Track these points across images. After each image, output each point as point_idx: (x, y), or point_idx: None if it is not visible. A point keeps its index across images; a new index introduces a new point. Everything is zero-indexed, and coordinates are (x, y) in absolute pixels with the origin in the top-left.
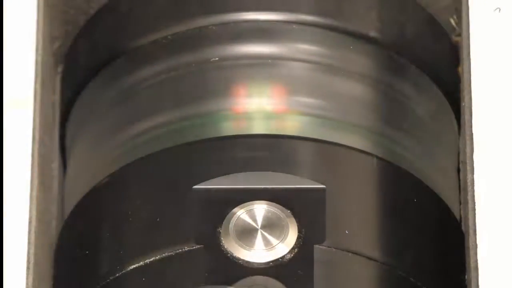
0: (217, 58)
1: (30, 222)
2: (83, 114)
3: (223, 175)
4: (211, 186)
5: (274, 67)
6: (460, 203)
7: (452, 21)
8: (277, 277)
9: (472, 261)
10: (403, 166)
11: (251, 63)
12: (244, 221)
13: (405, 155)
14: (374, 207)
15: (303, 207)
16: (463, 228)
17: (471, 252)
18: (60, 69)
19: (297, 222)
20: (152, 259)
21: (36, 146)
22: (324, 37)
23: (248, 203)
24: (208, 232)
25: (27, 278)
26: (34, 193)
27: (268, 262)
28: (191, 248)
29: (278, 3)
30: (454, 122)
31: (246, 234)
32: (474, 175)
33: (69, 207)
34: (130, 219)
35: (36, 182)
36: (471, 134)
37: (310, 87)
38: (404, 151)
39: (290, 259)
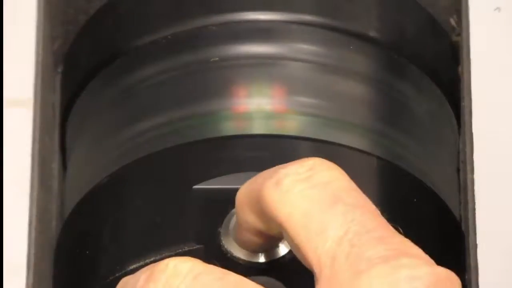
0: (217, 58)
1: (30, 222)
2: (83, 114)
3: (223, 175)
4: (211, 186)
5: (274, 67)
6: (460, 203)
7: (452, 21)
8: (277, 277)
9: (472, 261)
10: (403, 166)
11: (251, 63)
12: None
13: (405, 155)
14: None
15: None
16: (463, 228)
17: (471, 252)
18: (60, 69)
19: None
20: (152, 259)
21: (36, 146)
22: (324, 37)
23: None
24: (208, 232)
25: (27, 278)
26: (34, 193)
27: (268, 262)
28: (191, 248)
29: (278, 3)
30: (454, 122)
31: None
32: (474, 175)
33: (69, 207)
34: (130, 219)
35: (36, 182)
36: (471, 134)
37: (310, 87)
38: (404, 151)
39: (290, 259)
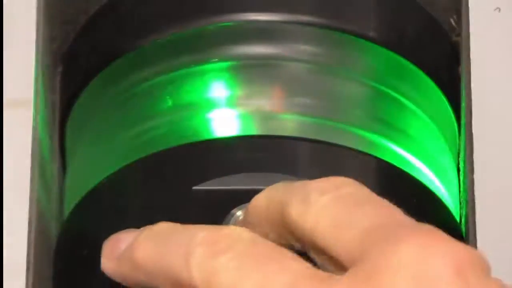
0: (216, 59)
1: (30, 222)
2: (83, 114)
3: (222, 176)
4: (210, 187)
5: (274, 67)
6: (460, 203)
7: (452, 21)
8: None
9: None
10: (402, 166)
11: (251, 64)
12: None
13: (404, 155)
14: None
15: None
16: (463, 228)
17: None
18: (60, 69)
19: None
20: None
21: (36, 146)
22: (323, 37)
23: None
24: None
25: (27, 278)
26: (34, 193)
27: None
28: None
29: (278, 3)
30: (454, 122)
31: None
32: (474, 175)
33: (69, 207)
34: (130, 219)
35: (36, 182)
36: (471, 134)
37: (309, 88)
38: (403, 151)
39: None
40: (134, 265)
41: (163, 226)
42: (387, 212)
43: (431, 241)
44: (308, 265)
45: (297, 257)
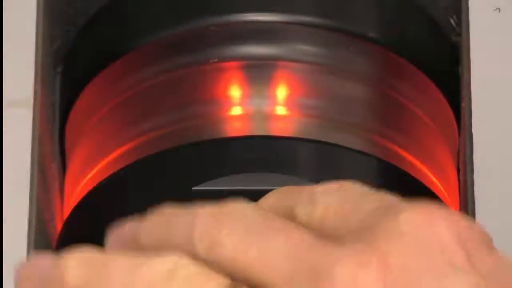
0: (216, 59)
1: (30, 222)
2: (83, 114)
3: (222, 176)
4: (210, 187)
5: (274, 68)
6: (460, 203)
7: (452, 21)
8: None
9: None
10: (402, 166)
11: (251, 64)
12: None
13: (404, 155)
14: None
15: None
16: None
17: None
18: (59, 69)
19: None
20: None
21: (36, 146)
22: (323, 37)
23: None
24: None
25: None
26: (34, 193)
27: None
28: None
29: (277, 4)
30: (454, 122)
31: None
32: (474, 175)
33: (69, 207)
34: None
35: (36, 182)
36: (471, 134)
37: (309, 88)
38: (404, 152)
39: None
40: (139, 250)
41: (165, 210)
42: (391, 197)
43: (432, 211)
44: (310, 232)
45: (299, 226)
